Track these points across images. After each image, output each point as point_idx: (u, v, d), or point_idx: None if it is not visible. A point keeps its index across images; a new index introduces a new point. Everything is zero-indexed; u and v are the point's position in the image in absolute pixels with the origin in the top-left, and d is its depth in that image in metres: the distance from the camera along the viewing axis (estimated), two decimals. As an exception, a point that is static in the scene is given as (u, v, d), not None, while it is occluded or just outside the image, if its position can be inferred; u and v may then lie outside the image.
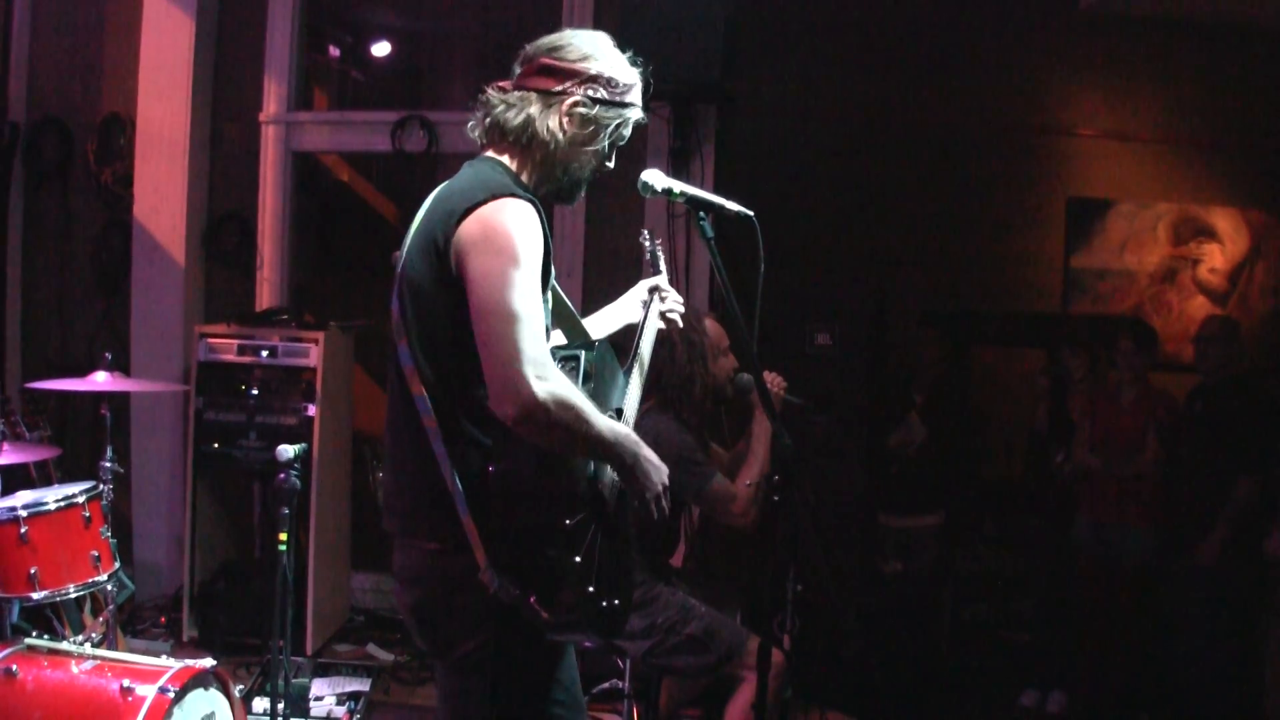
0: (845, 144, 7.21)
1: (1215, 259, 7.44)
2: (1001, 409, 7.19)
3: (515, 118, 2.64)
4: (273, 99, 6.66)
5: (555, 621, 2.48)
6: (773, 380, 4.14)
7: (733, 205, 2.93)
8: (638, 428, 2.86)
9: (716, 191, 3.00)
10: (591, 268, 6.21)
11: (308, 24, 6.83)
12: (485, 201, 2.47)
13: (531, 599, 2.44)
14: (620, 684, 4.38)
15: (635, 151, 5.97)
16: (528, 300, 2.40)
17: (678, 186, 2.92)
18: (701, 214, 2.93)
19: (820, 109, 7.16)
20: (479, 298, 2.41)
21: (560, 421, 2.38)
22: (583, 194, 2.80)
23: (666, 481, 2.70)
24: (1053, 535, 5.99)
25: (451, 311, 2.46)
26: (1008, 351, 7.54)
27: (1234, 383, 5.44)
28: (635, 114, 2.75)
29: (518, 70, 2.73)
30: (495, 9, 6.81)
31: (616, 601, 2.64)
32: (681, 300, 3.25)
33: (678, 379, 4.19)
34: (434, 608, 2.60)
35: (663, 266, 3.37)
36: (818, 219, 6.97)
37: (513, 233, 2.44)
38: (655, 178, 2.90)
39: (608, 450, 2.55)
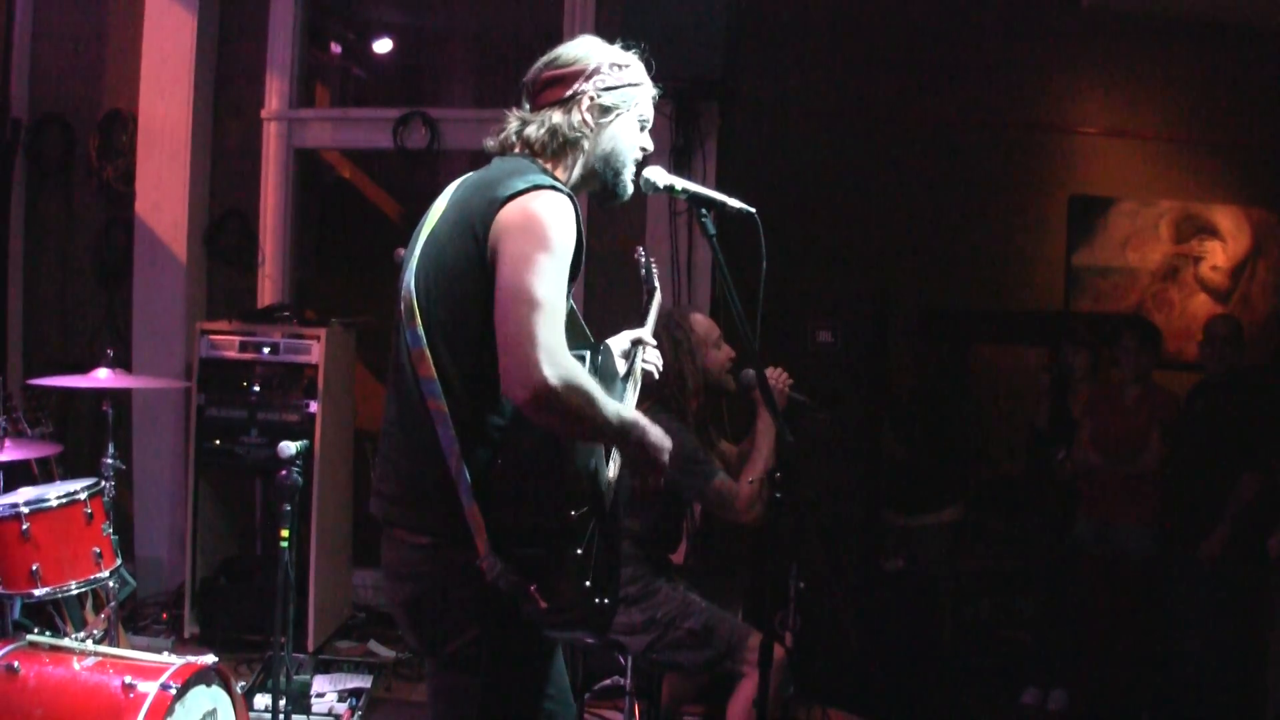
0: (847, 141, 7.22)
1: (1217, 257, 7.44)
2: (1003, 407, 7.19)
3: (539, 131, 2.67)
4: (274, 96, 6.67)
5: (552, 613, 2.48)
6: (777, 377, 4.12)
7: (735, 202, 2.92)
8: None
9: (718, 189, 2.99)
10: (593, 267, 6.19)
11: (309, 21, 6.83)
12: (527, 190, 2.49)
13: (532, 588, 2.44)
14: (622, 681, 4.38)
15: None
16: (552, 289, 2.41)
17: (680, 183, 2.92)
18: (703, 211, 2.92)
19: (822, 106, 7.16)
20: (505, 279, 2.42)
21: (571, 406, 2.38)
22: (631, 184, 2.82)
23: (668, 456, 2.69)
24: (1054, 533, 5.99)
25: (483, 297, 2.46)
26: (1009, 349, 7.54)
27: (1236, 379, 5.43)
28: (649, 90, 2.80)
29: (526, 104, 2.77)
30: (497, 6, 6.81)
31: (606, 600, 2.66)
32: (661, 356, 3.24)
33: (668, 377, 4.19)
34: (427, 603, 2.59)
35: (656, 283, 3.38)
36: (820, 216, 6.97)
37: (549, 221, 2.46)
38: (657, 175, 2.89)
39: (616, 436, 2.57)
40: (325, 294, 7.00)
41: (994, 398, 7.33)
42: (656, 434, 2.65)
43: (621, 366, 3.06)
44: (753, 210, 2.92)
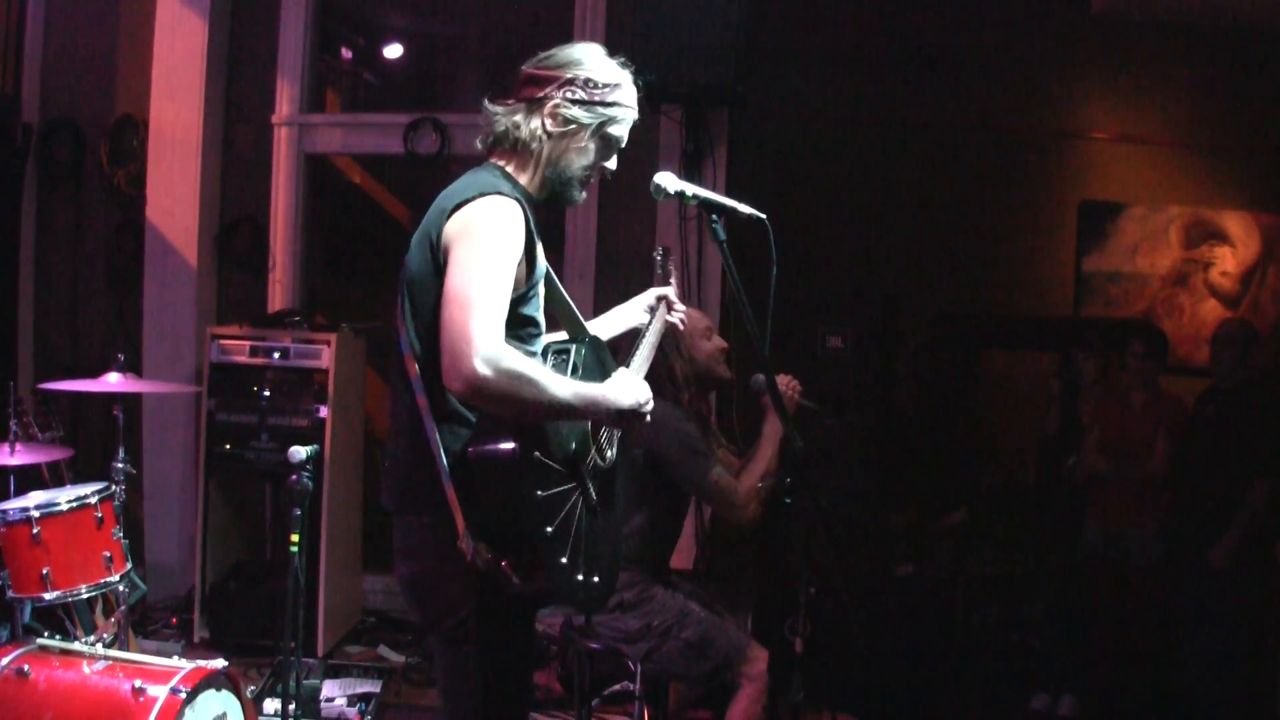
0: (857, 146, 7.21)
1: (1227, 262, 7.41)
2: (1013, 412, 7.18)
3: (502, 128, 2.81)
4: (285, 101, 6.69)
5: (526, 589, 2.58)
6: (788, 384, 4.12)
7: (745, 208, 2.94)
8: None
9: (729, 194, 3.01)
10: (603, 270, 6.21)
11: (320, 26, 6.85)
12: (473, 199, 2.63)
13: (504, 564, 2.54)
14: (631, 686, 4.37)
15: (647, 155, 5.98)
16: (487, 290, 2.52)
17: (690, 189, 2.94)
18: (714, 217, 2.94)
19: (832, 112, 7.16)
20: (447, 284, 2.55)
21: (506, 391, 2.48)
22: (582, 195, 2.89)
23: (646, 398, 2.80)
24: (1064, 539, 5.98)
25: (440, 300, 2.58)
26: (1019, 354, 7.52)
27: (1246, 386, 5.42)
28: (622, 113, 2.84)
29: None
30: (507, 11, 6.82)
31: (596, 579, 2.76)
32: (686, 311, 3.34)
33: (657, 370, 4.19)
34: (426, 579, 2.75)
35: (673, 282, 3.39)
36: (830, 221, 6.97)
37: (488, 227, 2.59)
38: (668, 180, 2.92)
39: (581, 411, 2.69)
40: (336, 299, 7.01)
41: (1003, 403, 7.32)
42: (633, 390, 2.77)
43: (643, 319, 3.25)
44: (763, 216, 2.94)
